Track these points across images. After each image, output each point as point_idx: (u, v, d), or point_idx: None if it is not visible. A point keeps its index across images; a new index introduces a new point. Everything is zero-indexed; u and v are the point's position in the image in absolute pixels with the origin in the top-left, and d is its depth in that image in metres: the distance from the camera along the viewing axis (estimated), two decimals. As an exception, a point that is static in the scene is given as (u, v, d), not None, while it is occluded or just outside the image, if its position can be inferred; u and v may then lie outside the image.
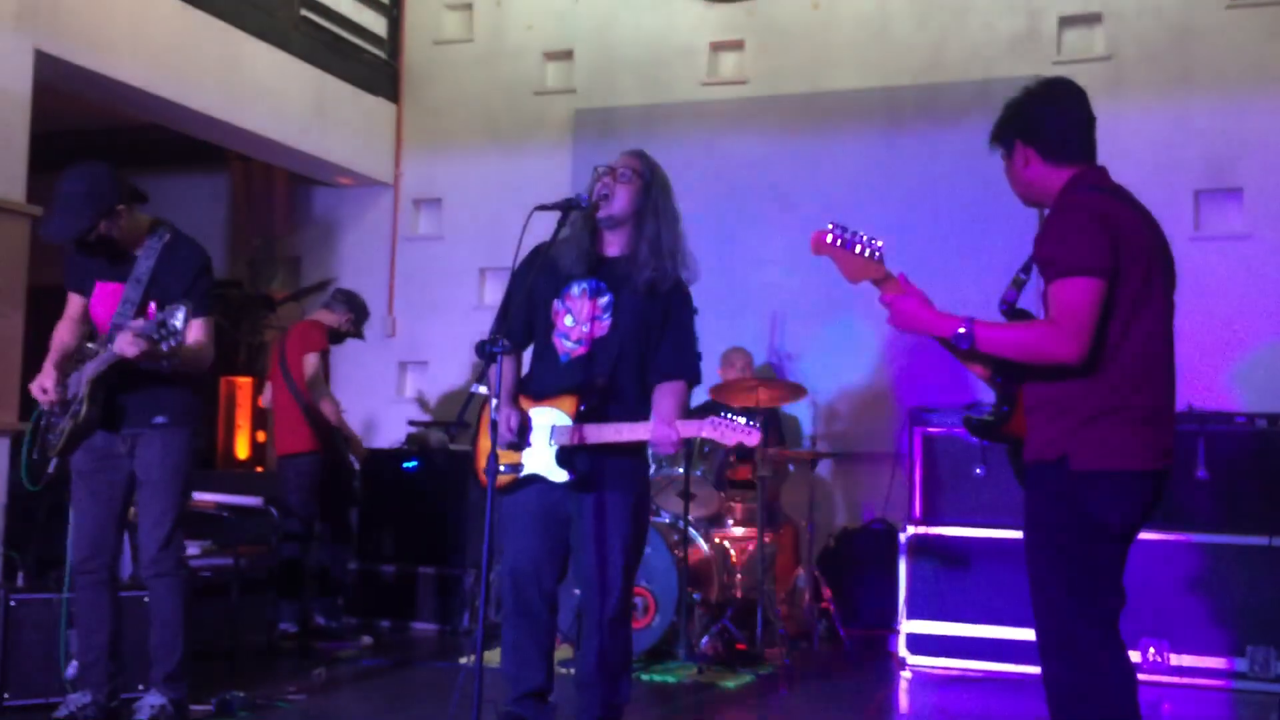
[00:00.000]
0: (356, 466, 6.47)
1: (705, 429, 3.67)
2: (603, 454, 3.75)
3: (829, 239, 3.13)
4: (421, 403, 8.34)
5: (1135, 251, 2.96)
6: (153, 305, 4.09)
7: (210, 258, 4.33)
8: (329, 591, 6.07)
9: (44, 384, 4.12)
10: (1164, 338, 3.03)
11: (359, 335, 6.54)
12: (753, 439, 3.64)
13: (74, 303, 4.30)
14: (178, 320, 3.80)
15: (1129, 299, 2.92)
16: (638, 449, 3.91)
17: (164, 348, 3.84)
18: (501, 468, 3.79)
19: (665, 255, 3.81)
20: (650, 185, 3.84)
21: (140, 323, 3.90)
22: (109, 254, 4.15)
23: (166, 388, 4.14)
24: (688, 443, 5.84)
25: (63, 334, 4.27)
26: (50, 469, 4.13)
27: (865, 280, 3.14)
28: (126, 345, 3.87)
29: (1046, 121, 3.11)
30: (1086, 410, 2.92)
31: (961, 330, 2.97)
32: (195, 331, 4.10)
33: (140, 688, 4.26)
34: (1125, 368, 2.93)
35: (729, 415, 3.68)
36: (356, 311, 6.42)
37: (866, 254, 3.11)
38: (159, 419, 4.13)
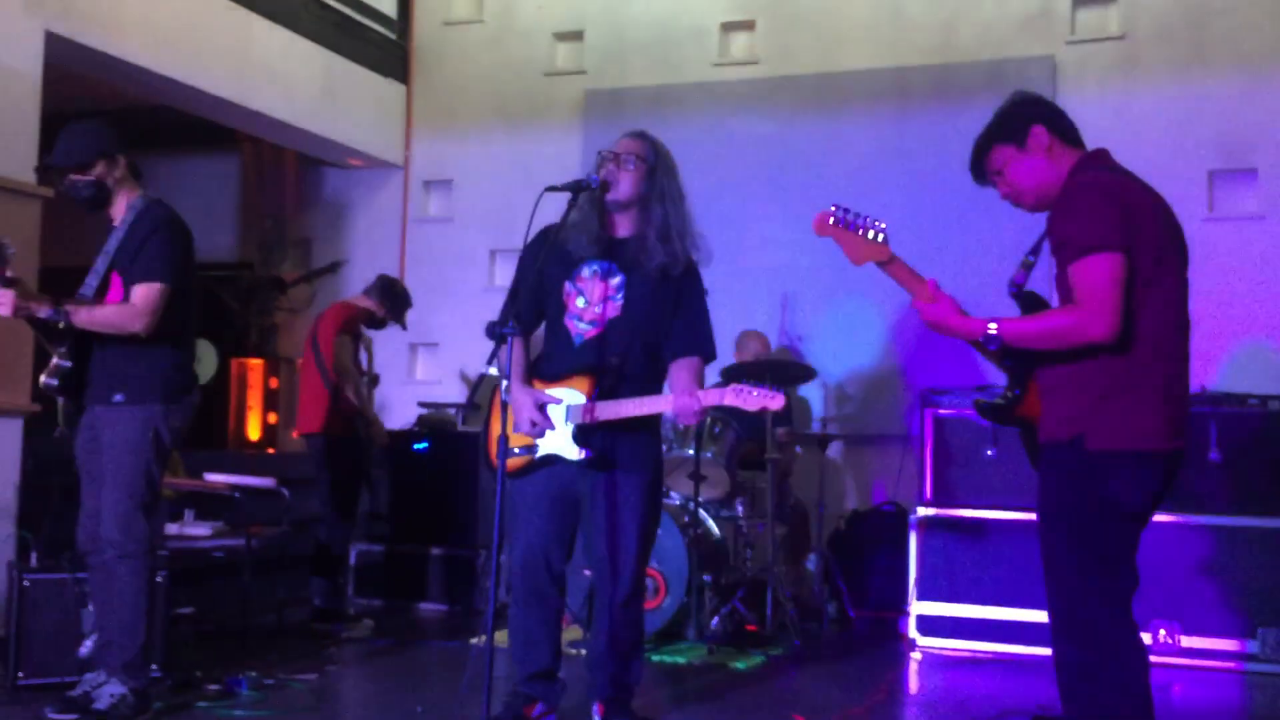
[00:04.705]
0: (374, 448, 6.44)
1: (728, 396, 3.65)
2: (617, 434, 3.76)
3: (831, 221, 3.12)
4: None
5: (1147, 228, 2.95)
6: (116, 277, 4.07)
7: (174, 221, 4.14)
8: (329, 573, 6.08)
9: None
10: (1178, 315, 3.02)
11: (399, 323, 6.47)
12: (776, 403, 3.62)
13: None
14: None
15: (1142, 276, 2.92)
16: (652, 430, 3.92)
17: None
18: (516, 450, 3.80)
19: (674, 238, 3.80)
20: (654, 169, 3.82)
21: None
22: (102, 210, 4.14)
23: (128, 361, 4.05)
24: (699, 424, 5.85)
25: None
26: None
27: (869, 262, 3.13)
28: None
29: (1059, 110, 3.16)
30: (1101, 388, 2.92)
31: (991, 331, 2.97)
32: (136, 294, 4.01)
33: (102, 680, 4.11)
34: (1139, 345, 2.92)
35: (748, 383, 3.66)
36: (392, 299, 6.33)
37: (870, 235, 3.10)
38: (118, 396, 4.05)
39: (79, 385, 4.10)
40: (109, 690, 4.01)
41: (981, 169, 3.19)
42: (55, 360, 4.06)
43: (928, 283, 3.08)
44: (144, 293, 4.01)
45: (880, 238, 3.10)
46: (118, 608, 4.03)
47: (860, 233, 3.10)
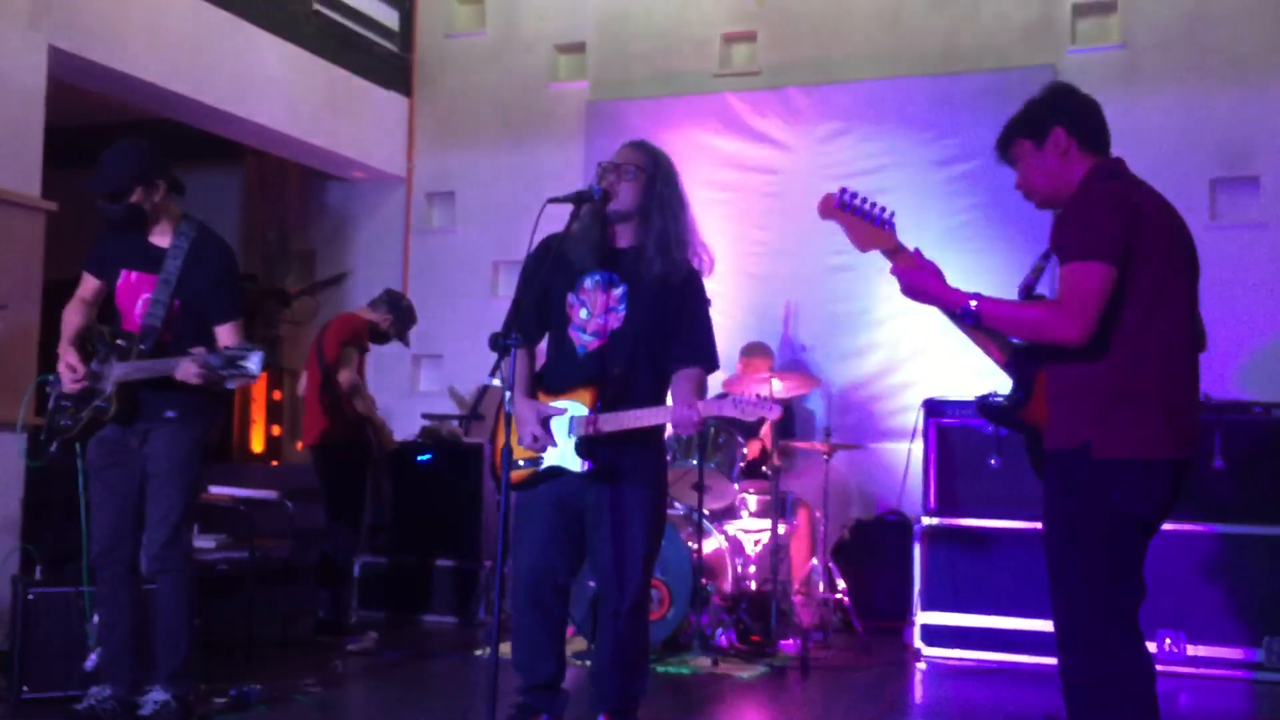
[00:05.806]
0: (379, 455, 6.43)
1: (726, 408, 3.68)
2: (621, 446, 3.75)
3: (838, 204, 3.10)
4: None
5: (1157, 238, 2.94)
6: (177, 303, 4.12)
7: (235, 257, 4.34)
8: (333, 585, 6.07)
9: (71, 363, 4.12)
10: (1187, 325, 3.01)
11: (402, 339, 6.49)
12: (774, 413, 3.65)
13: (88, 285, 4.28)
14: (251, 365, 3.85)
15: (1151, 286, 2.91)
16: (656, 442, 3.92)
17: (229, 385, 3.96)
18: (520, 462, 3.80)
19: (673, 248, 3.80)
20: (654, 179, 3.83)
21: (208, 356, 3.90)
22: (137, 231, 4.16)
23: (179, 383, 4.10)
24: (701, 435, 5.85)
25: (73, 315, 4.24)
26: (51, 448, 4.16)
27: (874, 249, 3.11)
28: (190, 375, 3.92)
29: (1090, 112, 3.12)
30: (1109, 398, 2.91)
31: (971, 305, 2.96)
32: (225, 335, 4.15)
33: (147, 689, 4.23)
34: (1147, 355, 2.91)
35: (746, 394, 3.71)
36: (398, 314, 6.35)
37: (877, 223, 3.09)
38: (170, 413, 4.11)
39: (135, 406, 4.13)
40: (153, 697, 4.09)
41: (1005, 152, 3.20)
42: (96, 403, 4.09)
43: (912, 253, 3.08)
44: (236, 332, 4.17)
45: (887, 226, 3.09)
46: (160, 621, 4.12)
47: (867, 219, 3.08)
